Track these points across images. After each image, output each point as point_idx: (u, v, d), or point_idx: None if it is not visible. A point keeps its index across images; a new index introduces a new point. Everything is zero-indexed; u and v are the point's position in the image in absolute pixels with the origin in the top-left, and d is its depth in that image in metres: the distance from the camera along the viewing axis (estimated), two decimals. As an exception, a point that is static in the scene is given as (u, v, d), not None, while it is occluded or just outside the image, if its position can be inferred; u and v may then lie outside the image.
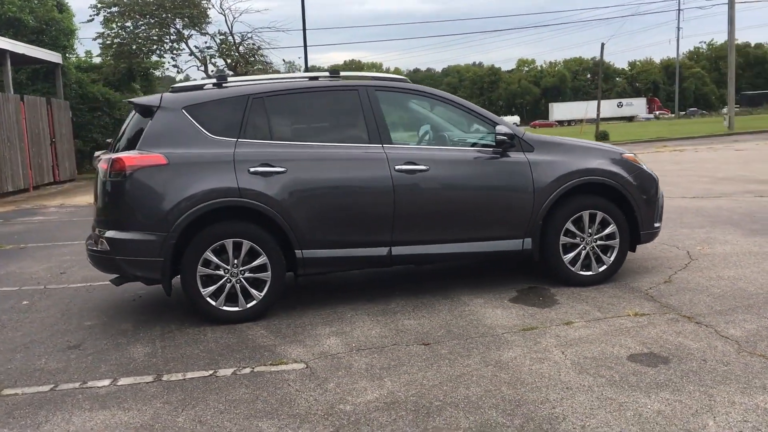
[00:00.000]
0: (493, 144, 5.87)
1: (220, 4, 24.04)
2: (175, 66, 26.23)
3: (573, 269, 6.00)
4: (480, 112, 6.03)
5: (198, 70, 26.76)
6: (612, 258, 6.08)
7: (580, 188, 5.95)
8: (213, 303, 5.37)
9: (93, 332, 5.45)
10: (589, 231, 6.01)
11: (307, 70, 26.12)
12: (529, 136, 5.98)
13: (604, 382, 4.02)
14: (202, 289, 5.35)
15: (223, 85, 5.72)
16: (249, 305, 5.43)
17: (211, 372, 4.47)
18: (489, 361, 4.42)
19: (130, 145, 5.54)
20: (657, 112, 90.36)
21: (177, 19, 25.03)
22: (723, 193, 11.58)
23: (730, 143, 27.05)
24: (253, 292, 5.43)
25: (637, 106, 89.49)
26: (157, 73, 27.88)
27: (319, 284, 6.60)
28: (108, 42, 25.60)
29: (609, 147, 6.30)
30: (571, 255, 5.99)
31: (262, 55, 25.19)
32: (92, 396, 4.18)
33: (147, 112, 5.52)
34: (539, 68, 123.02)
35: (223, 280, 5.38)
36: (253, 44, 24.87)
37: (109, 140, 6.42)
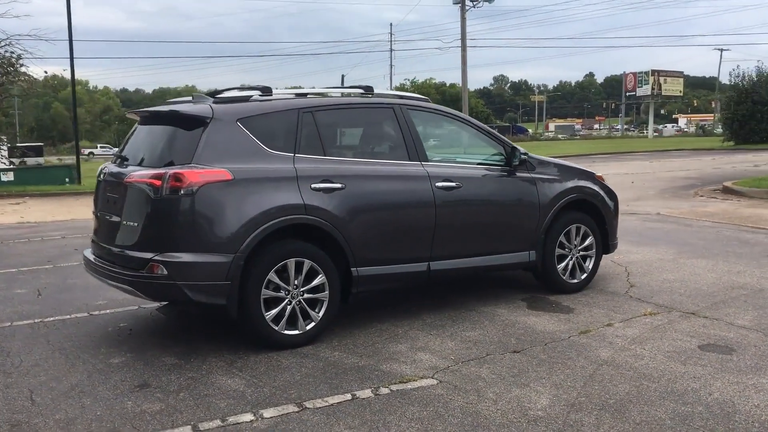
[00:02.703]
0: (503, 163, 6.28)
1: (-40, 5, 20.48)
2: None
3: (564, 278, 6.60)
4: (494, 133, 6.41)
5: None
6: (590, 267, 6.79)
7: (569, 204, 6.58)
8: (275, 327, 5.06)
9: (140, 369, 4.82)
10: (575, 243, 6.66)
11: (73, 82, 23.99)
12: (531, 156, 6.48)
13: (713, 369, 4.61)
14: (265, 313, 5.02)
15: (269, 96, 5.43)
16: (308, 327, 5.20)
17: (349, 396, 4.28)
18: (597, 361, 4.80)
19: (165, 158, 5.03)
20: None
21: None
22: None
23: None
24: (312, 313, 5.21)
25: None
26: None
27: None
28: None
29: (584, 168, 7.02)
30: (562, 265, 6.58)
31: (21, 65, 22.48)
32: (256, 431, 3.81)
33: (195, 123, 5.05)
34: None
35: (285, 302, 5.10)
36: (12, 53, 22.12)
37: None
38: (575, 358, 4.88)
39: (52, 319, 6.15)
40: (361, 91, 5.94)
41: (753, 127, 42.07)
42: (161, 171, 4.84)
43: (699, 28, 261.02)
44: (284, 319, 5.09)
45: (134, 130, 5.74)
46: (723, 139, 45.72)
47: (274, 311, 5.04)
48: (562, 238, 6.54)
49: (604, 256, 7.04)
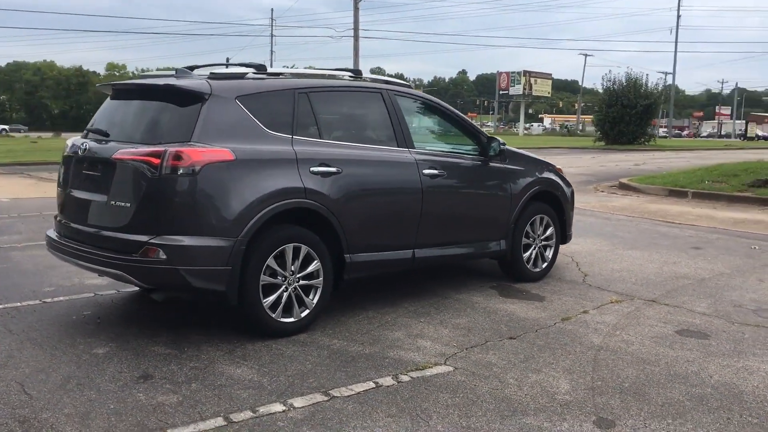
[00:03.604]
0: (479, 153, 6.34)
1: None
2: None
3: (528, 267, 6.77)
4: (471, 123, 6.46)
5: None
6: (550, 256, 7.00)
7: (535, 195, 6.75)
8: (272, 315, 4.89)
9: (132, 360, 4.51)
10: (539, 233, 6.84)
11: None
12: (506, 148, 6.57)
13: (700, 354, 4.88)
14: (263, 300, 4.84)
15: (264, 75, 5.21)
16: (303, 315, 5.07)
17: (372, 384, 4.20)
18: (592, 347, 4.96)
19: (159, 135, 4.74)
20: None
21: None
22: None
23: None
24: (306, 300, 5.08)
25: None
26: None
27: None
28: None
29: (546, 160, 7.20)
30: (527, 254, 6.75)
31: None
32: (296, 422, 3.67)
33: (192, 99, 4.76)
34: (132, 74, 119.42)
35: (281, 289, 4.94)
36: None
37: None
38: (570, 344, 5.02)
39: (1, 306, 5.64)
40: (349, 74, 5.82)
41: (622, 128, 44.82)
42: (159, 148, 4.54)
43: (563, 34, 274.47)
44: (281, 306, 4.92)
45: (107, 104, 5.36)
46: (594, 139, 48.42)
47: (271, 298, 4.87)
48: (528, 228, 6.70)
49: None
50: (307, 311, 5.07)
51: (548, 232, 6.94)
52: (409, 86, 6.18)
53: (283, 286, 4.94)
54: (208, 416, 3.70)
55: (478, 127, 6.56)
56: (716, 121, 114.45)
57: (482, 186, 6.30)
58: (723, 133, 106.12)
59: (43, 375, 4.23)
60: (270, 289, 4.88)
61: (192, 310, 5.65)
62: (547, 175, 6.91)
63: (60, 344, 4.78)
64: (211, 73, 5.02)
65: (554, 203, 6.98)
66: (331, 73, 5.77)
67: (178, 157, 4.48)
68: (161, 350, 4.69)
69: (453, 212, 6.03)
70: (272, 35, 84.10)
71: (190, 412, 3.74)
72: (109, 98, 5.39)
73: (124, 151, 4.67)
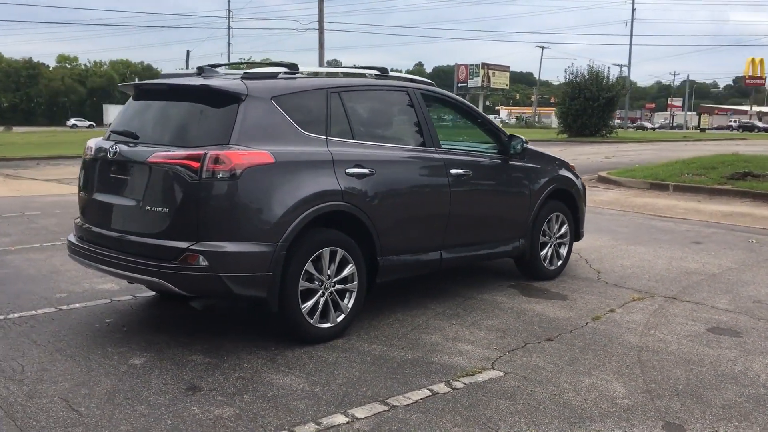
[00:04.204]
0: (500, 151, 6.28)
1: None
2: None
3: (544, 265, 6.74)
4: (491, 121, 6.39)
5: None
6: (564, 254, 6.99)
7: (552, 193, 6.72)
8: (310, 320, 4.77)
9: (173, 371, 4.34)
10: (554, 231, 6.82)
11: None
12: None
13: (739, 352, 4.90)
14: (302, 305, 4.71)
15: (296, 74, 5.06)
16: (339, 320, 4.95)
17: (427, 391, 4.11)
18: (633, 348, 4.94)
19: (196, 137, 4.58)
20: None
21: None
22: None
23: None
24: (342, 305, 4.96)
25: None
26: None
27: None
28: None
29: (561, 157, 7.17)
30: (543, 252, 6.72)
31: None
32: (365, 435, 3.57)
33: (228, 99, 4.59)
34: (83, 67, 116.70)
35: (318, 294, 4.82)
36: None
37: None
38: (610, 345, 4.99)
39: (17, 315, 5.40)
40: (376, 72, 5.69)
41: (584, 121, 45.37)
42: (198, 152, 4.37)
43: (518, 26, 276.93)
44: (318, 311, 4.80)
45: (130, 105, 5.15)
46: (558, 131, 48.92)
47: (309, 303, 4.74)
48: (545, 226, 6.67)
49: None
50: (342, 316, 4.95)
51: (563, 230, 6.92)
52: (432, 84, 6.07)
53: (320, 291, 4.81)
54: (272, 430, 3.58)
55: (499, 126, 6.49)
56: (668, 113, 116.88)
57: (504, 185, 6.24)
58: (675, 124, 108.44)
59: (85, 389, 4.04)
60: (307, 294, 4.75)
61: (219, 316, 5.49)
62: (563, 172, 6.89)
63: (92, 355, 4.59)
64: (245, 73, 4.86)
65: (569, 201, 6.96)
66: (358, 71, 5.64)
67: (218, 160, 4.32)
68: (200, 359, 4.53)
69: (478, 212, 5.97)
70: (229, 27, 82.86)
71: (252, 426, 3.61)
72: (131, 99, 5.18)
73: (160, 155, 4.48)
